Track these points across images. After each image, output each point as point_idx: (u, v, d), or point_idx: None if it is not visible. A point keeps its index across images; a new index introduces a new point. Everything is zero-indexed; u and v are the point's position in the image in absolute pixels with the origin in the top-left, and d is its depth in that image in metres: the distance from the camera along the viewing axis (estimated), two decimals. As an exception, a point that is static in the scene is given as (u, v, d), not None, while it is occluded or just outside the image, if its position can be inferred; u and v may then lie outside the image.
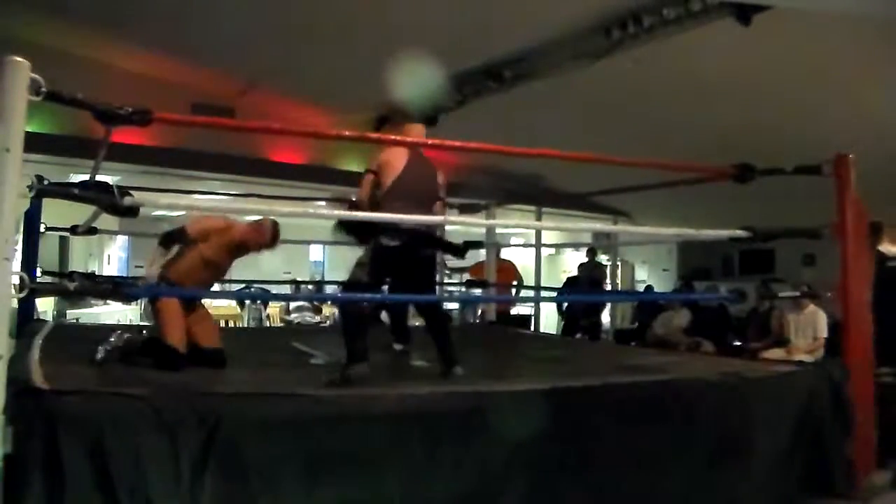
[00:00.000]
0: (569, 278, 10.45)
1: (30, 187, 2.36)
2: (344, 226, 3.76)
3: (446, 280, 8.44)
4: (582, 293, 9.44)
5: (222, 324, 7.29)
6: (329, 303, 9.58)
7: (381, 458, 2.43)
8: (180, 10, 6.46)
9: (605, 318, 10.94)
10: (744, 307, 7.56)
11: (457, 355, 3.62)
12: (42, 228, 5.20)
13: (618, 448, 2.81)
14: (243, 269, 5.07)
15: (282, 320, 10.26)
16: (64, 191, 2.66)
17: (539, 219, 9.92)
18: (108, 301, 8.53)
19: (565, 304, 9.75)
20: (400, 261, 3.60)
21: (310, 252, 12.61)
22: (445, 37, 6.18)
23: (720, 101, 6.59)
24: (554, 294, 9.51)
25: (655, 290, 11.41)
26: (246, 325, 9.90)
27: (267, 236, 3.85)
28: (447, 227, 6.10)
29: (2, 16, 6.33)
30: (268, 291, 6.85)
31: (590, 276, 9.73)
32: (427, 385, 3.14)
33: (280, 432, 2.33)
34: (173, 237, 3.77)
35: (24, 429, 2.05)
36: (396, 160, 3.67)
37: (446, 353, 3.63)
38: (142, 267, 9.96)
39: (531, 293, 8.72)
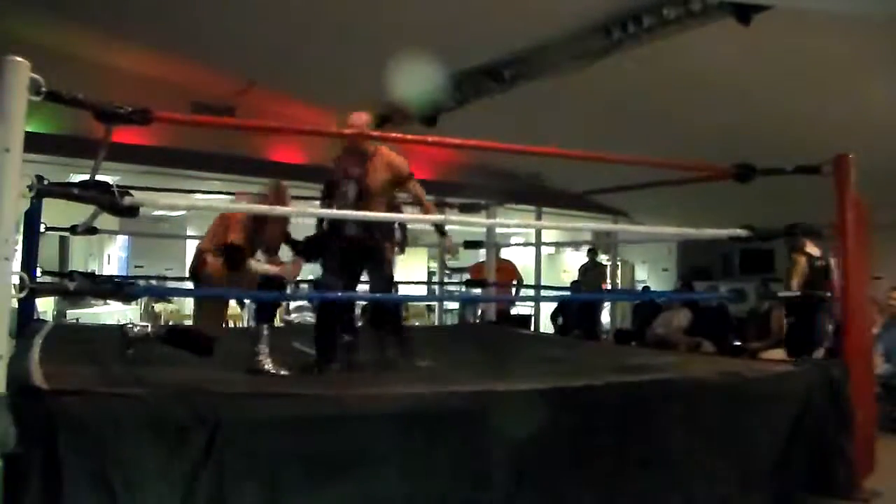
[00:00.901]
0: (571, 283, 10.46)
1: (30, 187, 2.35)
2: None
3: (446, 280, 8.45)
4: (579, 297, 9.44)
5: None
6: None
7: (381, 458, 2.43)
8: (180, 10, 6.46)
9: (605, 318, 10.93)
10: (744, 307, 7.56)
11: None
12: (42, 228, 5.19)
13: (618, 448, 2.81)
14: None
15: (282, 320, 10.26)
16: (64, 191, 2.66)
17: (539, 218, 9.91)
18: (108, 301, 8.53)
19: (559, 319, 9.75)
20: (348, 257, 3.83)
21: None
22: (445, 37, 6.18)
23: (720, 101, 6.59)
24: (554, 294, 9.51)
25: (655, 290, 11.40)
26: (246, 325, 9.88)
27: (270, 199, 3.77)
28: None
29: (2, 16, 6.33)
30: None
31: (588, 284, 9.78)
32: (427, 385, 3.14)
33: (280, 432, 2.33)
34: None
35: (24, 429, 2.05)
36: None
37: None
38: (142, 266, 9.99)
39: (531, 293, 8.72)
